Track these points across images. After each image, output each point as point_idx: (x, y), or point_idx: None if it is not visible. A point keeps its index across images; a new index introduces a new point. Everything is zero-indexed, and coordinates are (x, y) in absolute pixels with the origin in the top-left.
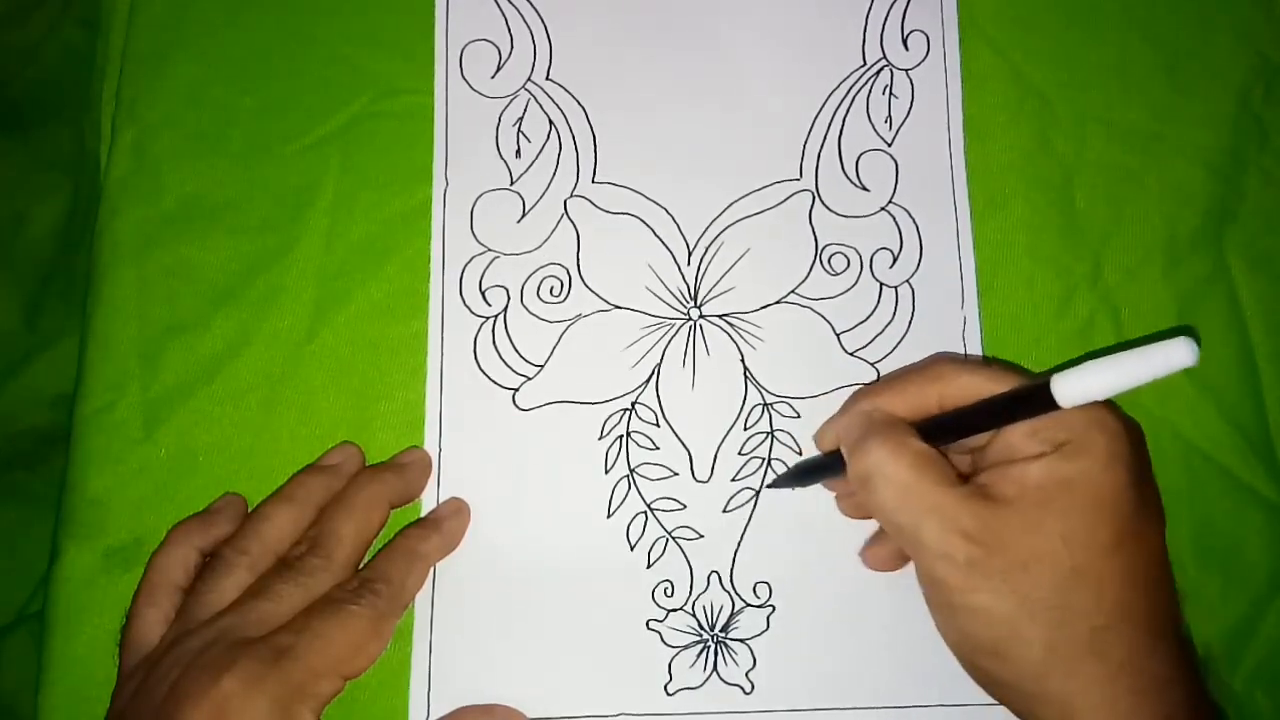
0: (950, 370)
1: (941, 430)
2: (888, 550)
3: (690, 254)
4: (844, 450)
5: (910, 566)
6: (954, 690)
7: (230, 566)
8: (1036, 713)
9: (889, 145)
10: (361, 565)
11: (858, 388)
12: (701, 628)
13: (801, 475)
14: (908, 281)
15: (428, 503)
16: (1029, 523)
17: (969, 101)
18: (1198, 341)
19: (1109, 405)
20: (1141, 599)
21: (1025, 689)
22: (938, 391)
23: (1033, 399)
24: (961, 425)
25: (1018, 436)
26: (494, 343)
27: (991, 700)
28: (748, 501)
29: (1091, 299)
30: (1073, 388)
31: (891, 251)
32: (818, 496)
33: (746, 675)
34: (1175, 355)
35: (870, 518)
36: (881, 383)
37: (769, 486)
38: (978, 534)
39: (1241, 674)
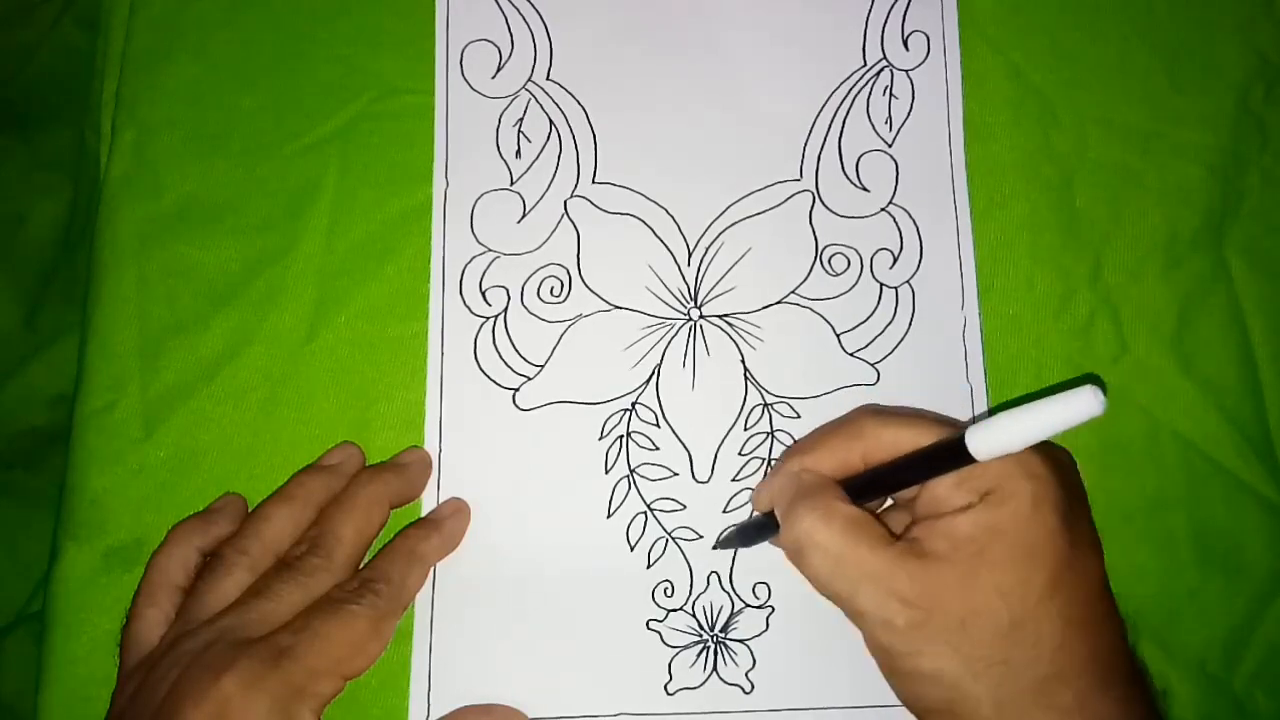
0: (870, 425)
1: (868, 488)
2: None
3: (690, 254)
4: (778, 514)
5: None
6: None
7: (230, 566)
8: None
9: (889, 146)
10: (362, 565)
11: (790, 446)
12: (701, 628)
13: (743, 535)
14: (908, 282)
15: (428, 503)
16: (963, 578)
17: (969, 101)
18: (1104, 390)
19: (1033, 447)
20: (1084, 641)
21: None
22: (861, 448)
23: (951, 453)
24: (886, 482)
25: (944, 488)
26: (494, 343)
27: None
28: (748, 502)
29: (1091, 299)
30: (985, 442)
31: (892, 252)
32: None
33: (746, 675)
34: (1082, 406)
35: None
36: (808, 439)
37: (714, 548)
38: (914, 597)
39: (1241, 674)
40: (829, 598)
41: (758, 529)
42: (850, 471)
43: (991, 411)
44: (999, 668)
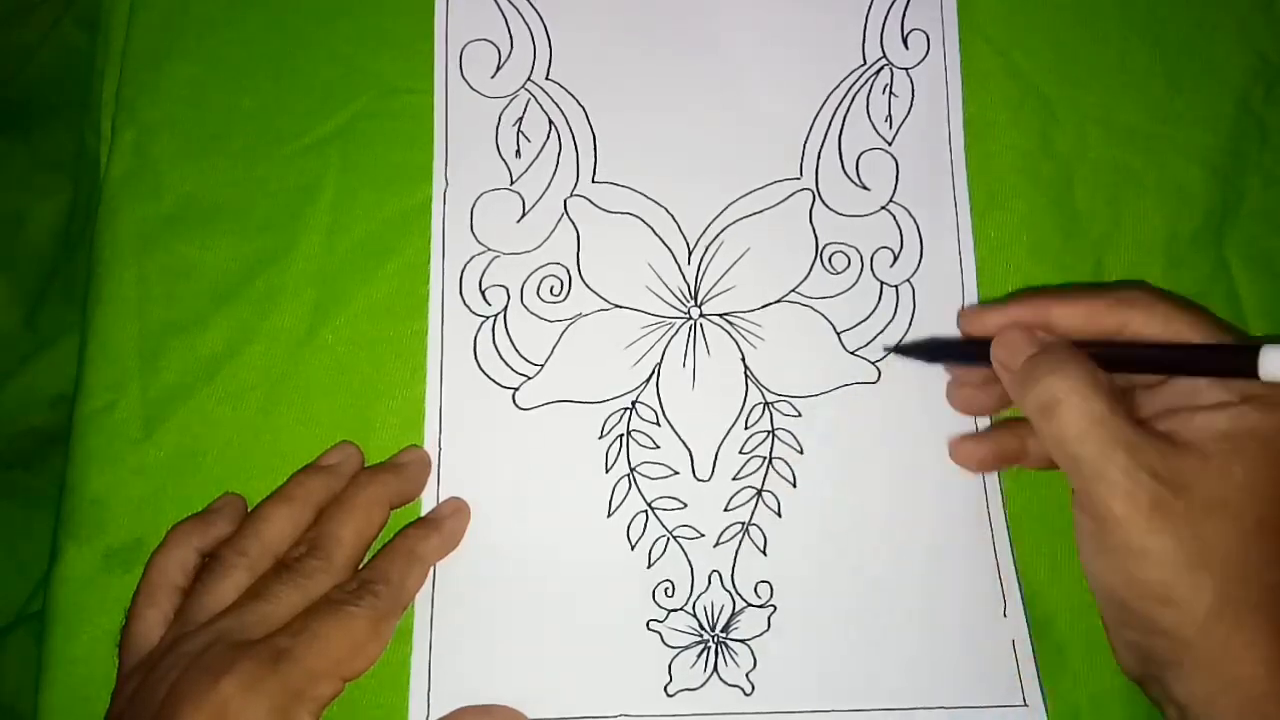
0: (1141, 299)
1: (1118, 359)
2: (985, 451)
3: (690, 253)
4: (1002, 361)
5: (915, 561)
6: (954, 692)
7: (229, 567)
8: (1187, 666)
9: (889, 144)
10: (361, 566)
11: (1037, 289)
12: (702, 628)
13: (932, 350)
14: (908, 280)
15: (428, 503)
16: (1216, 470)
17: (969, 101)
18: None
19: None
20: None
21: (1183, 636)
22: (1120, 318)
23: (1233, 360)
24: (1145, 361)
25: (1204, 382)
26: (494, 342)
27: (995, 703)
28: (749, 500)
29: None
30: None
31: (892, 250)
32: (818, 495)
33: (747, 676)
34: None
35: (979, 414)
36: (1056, 291)
37: (893, 350)
38: (1165, 474)
39: None
40: (1066, 461)
41: (954, 350)
42: (1095, 336)
43: None
44: (1233, 563)
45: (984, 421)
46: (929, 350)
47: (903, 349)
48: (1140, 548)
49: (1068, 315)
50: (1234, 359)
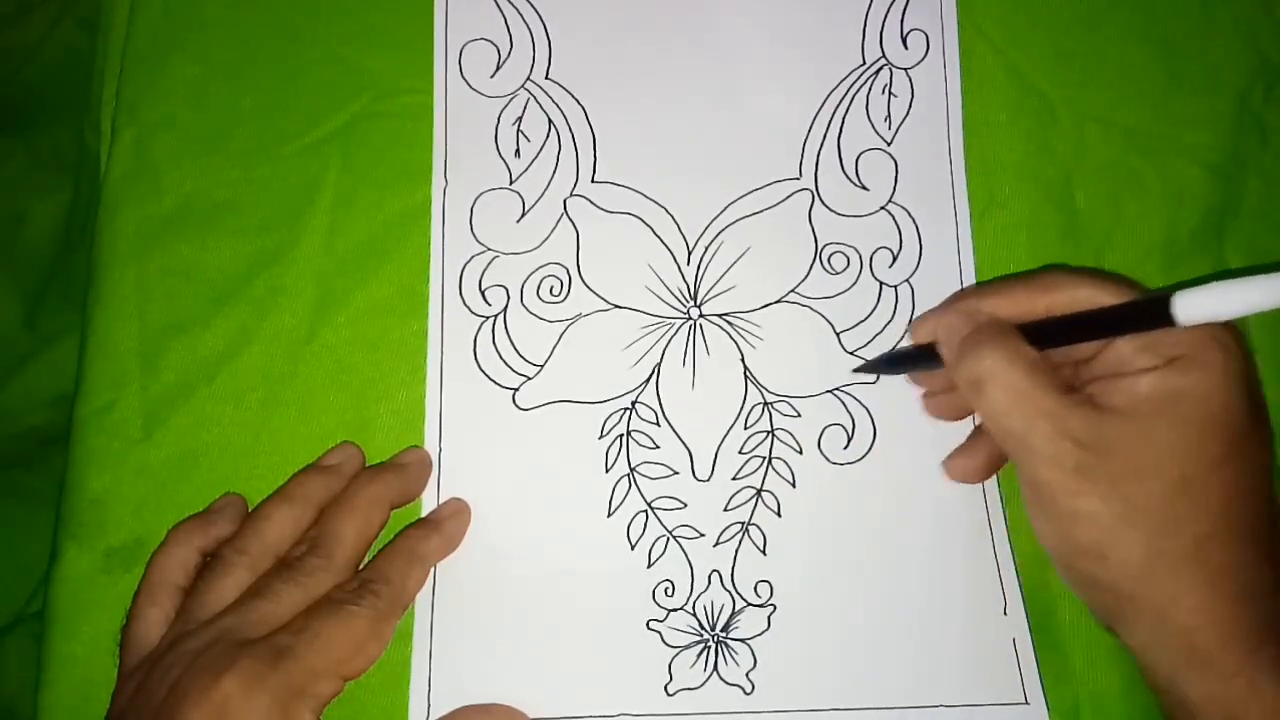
0: (1062, 280)
1: (1047, 335)
2: (974, 462)
3: (690, 253)
4: (944, 349)
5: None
6: (955, 691)
7: (230, 567)
8: (1130, 616)
9: (888, 144)
10: (361, 566)
11: (966, 288)
12: (702, 627)
13: (892, 363)
14: (907, 281)
15: (428, 503)
16: (1138, 432)
17: (969, 101)
18: None
19: (1226, 324)
20: (1247, 512)
21: (1123, 590)
22: (1047, 300)
23: (1150, 313)
24: (1071, 332)
25: (1129, 349)
26: (494, 342)
27: (996, 701)
28: (749, 500)
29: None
30: (1195, 307)
31: (891, 251)
32: (818, 495)
33: (747, 675)
34: None
35: (956, 419)
36: (986, 285)
37: (857, 370)
38: (1088, 440)
39: None
40: (999, 434)
41: (910, 358)
42: (1029, 320)
43: None
44: (1160, 518)
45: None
46: (891, 362)
47: (865, 368)
48: (1070, 510)
49: (998, 306)
50: (1150, 312)
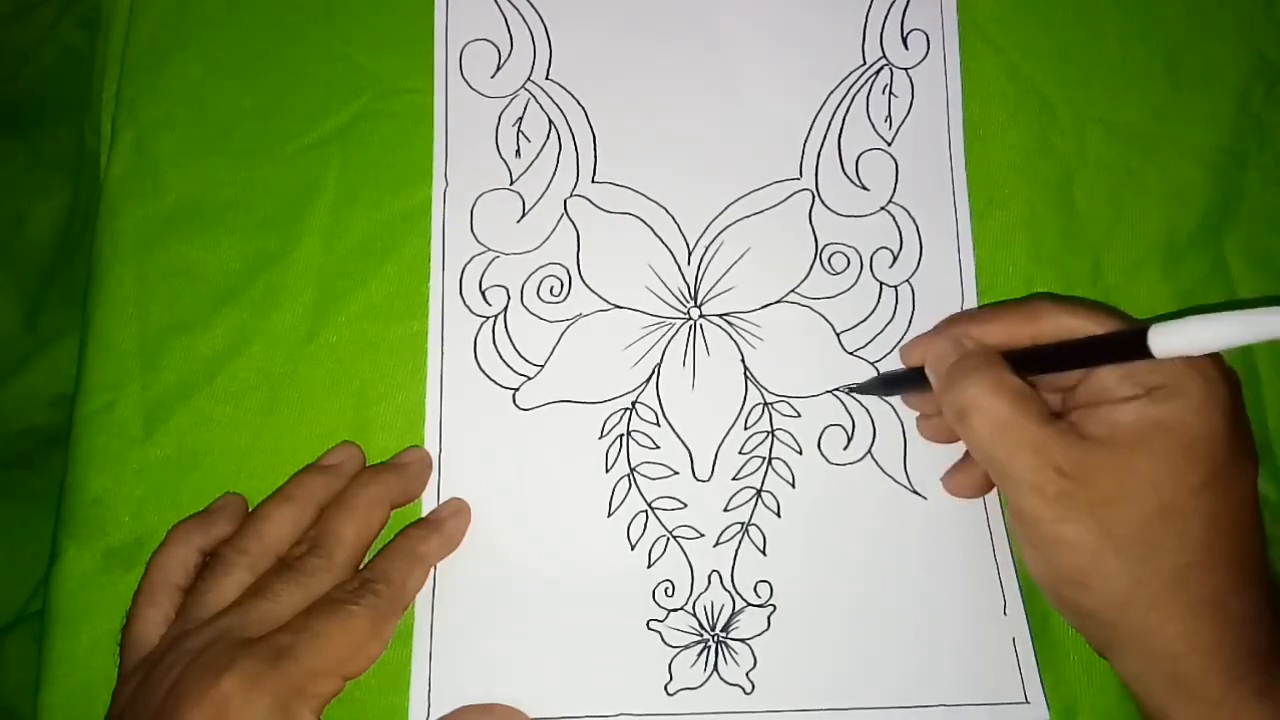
0: (1048, 309)
1: (1032, 363)
2: (970, 479)
3: (690, 253)
4: (932, 374)
5: (914, 560)
6: (955, 691)
7: (230, 566)
8: (1117, 642)
9: (889, 145)
10: (362, 565)
11: (955, 314)
12: (702, 627)
13: (885, 385)
14: (908, 281)
15: (428, 503)
16: (1118, 462)
17: (969, 101)
18: None
19: (1208, 354)
20: (1228, 541)
21: (1107, 618)
22: (1033, 329)
23: (1128, 345)
24: (1054, 361)
25: (1111, 378)
26: (494, 342)
27: (996, 701)
28: (749, 500)
29: (1091, 299)
30: (1169, 341)
31: (891, 251)
32: (818, 496)
33: (747, 675)
34: (1276, 322)
35: (949, 441)
36: (975, 312)
37: (851, 390)
38: (1069, 468)
39: None
40: (983, 461)
41: (902, 381)
42: (1015, 348)
43: None
44: (1141, 547)
45: None
46: (884, 385)
47: (859, 388)
48: (1052, 537)
49: (987, 333)
50: (1128, 343)
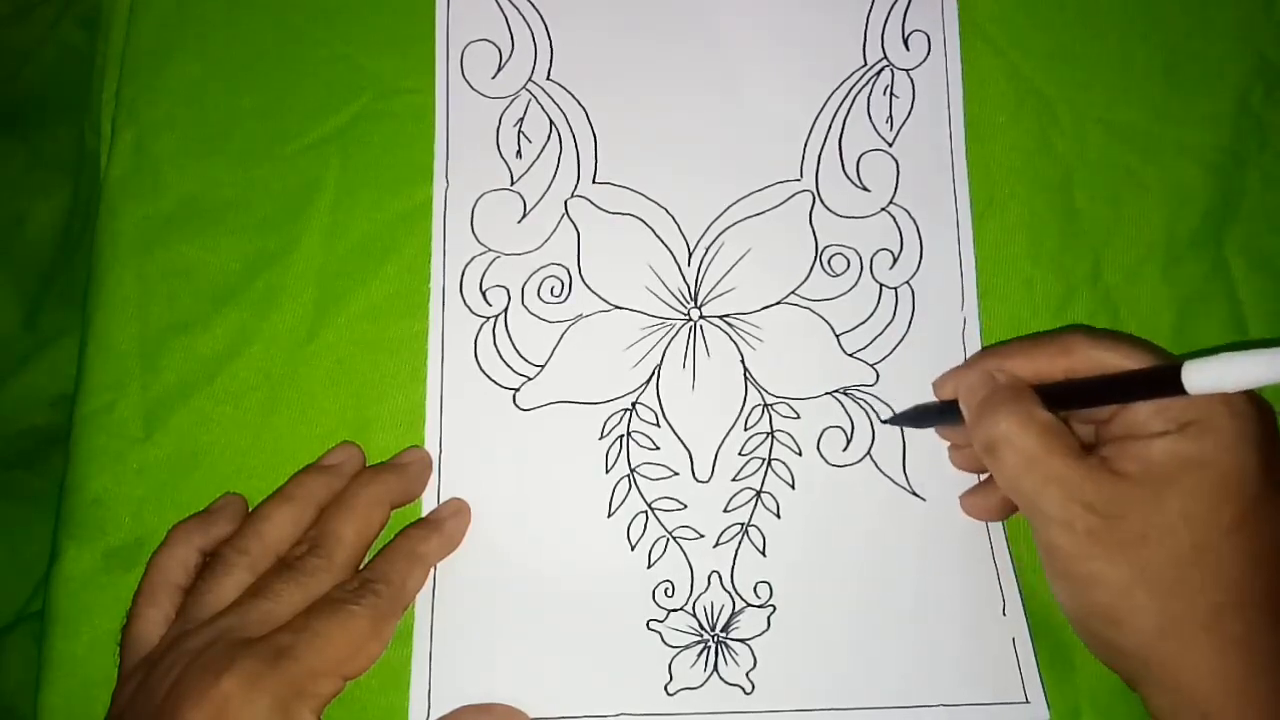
0: (1081, 342)
1: (1065, 398)
2: (992, 502)
3: (690, 254)
4: (964, 407)
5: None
6: (955, 690)
7: (230, 566)
8: (1147, 678)
9: (889, 145)
10: (362, 565)
11: (988, 347)
12: (702, 628)
13: (918, 417)
14: (908, 282)
15: (428, 503)
16: (1150, 498)
17: (969, 101)
18: None
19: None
20: (1262, 579)
21: (1138, 655)
22: (1066, 363)
23: (1162, 381)
24: (1086, 396)
25: (1144, 413)
26: (494, 343)
27: (996, 700)
28: (748, 501)
29: (1091, 299)
30: (1203, 378)
31: (892, 252)
32: (817, 497)
33: (747, 675)
34: None
35: (981, 471)
36: (1009, 345)
37: (885, 421)
38: (1099, 505)
39: None
40: (1012, 494)
41: (935, 413)
42: (1047, 382)
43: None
44: (1173, 584)
45: None
46: (917, 417)
47: (893, 420)
48: (1084, 574)
49: (1018, 366)
50: (1162, 379)
